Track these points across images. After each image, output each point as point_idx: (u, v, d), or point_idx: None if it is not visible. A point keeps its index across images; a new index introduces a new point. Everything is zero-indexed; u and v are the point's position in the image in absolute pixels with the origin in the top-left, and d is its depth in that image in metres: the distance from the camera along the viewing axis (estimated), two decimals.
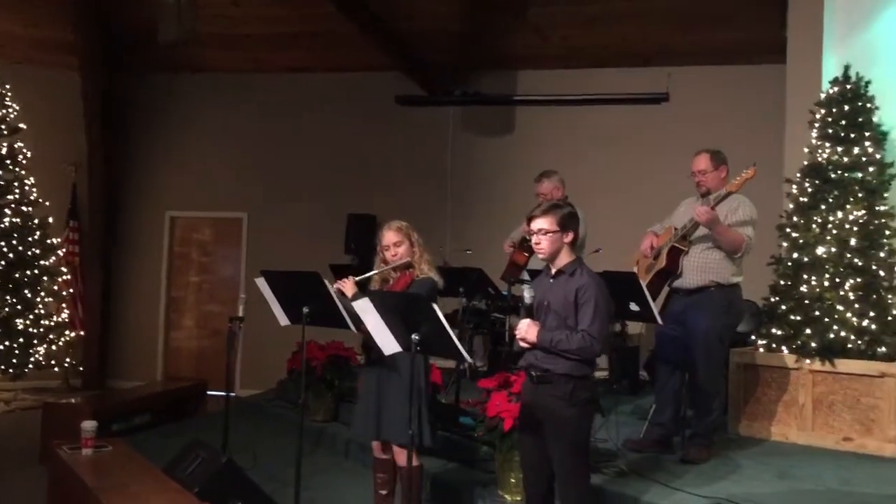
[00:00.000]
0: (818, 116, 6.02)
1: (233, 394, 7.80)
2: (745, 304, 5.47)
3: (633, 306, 4.75)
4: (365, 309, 3.81)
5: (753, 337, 5.99)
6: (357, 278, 4.40)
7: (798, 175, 6.02)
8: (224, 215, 10.54)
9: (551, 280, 3.74)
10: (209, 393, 8.45)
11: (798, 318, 5.66)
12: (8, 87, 9.08)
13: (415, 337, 3.57)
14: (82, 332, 10.00)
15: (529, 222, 3.76)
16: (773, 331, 5.78)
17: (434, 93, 9.73)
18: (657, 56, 9.04)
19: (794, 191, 6.00)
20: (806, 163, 6.00)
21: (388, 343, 3.80)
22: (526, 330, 3.62)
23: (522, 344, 3.68)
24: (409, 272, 4.43)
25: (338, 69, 10.05)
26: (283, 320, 4.53)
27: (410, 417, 3.78)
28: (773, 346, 5.77)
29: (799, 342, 5.61)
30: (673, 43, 8.92)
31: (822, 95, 6.08)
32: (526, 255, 6.50)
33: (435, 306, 3.52)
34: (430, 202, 9.64)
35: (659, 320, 4.83)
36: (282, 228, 10.13)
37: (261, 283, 4.51)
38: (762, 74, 8.36)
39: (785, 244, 5.95)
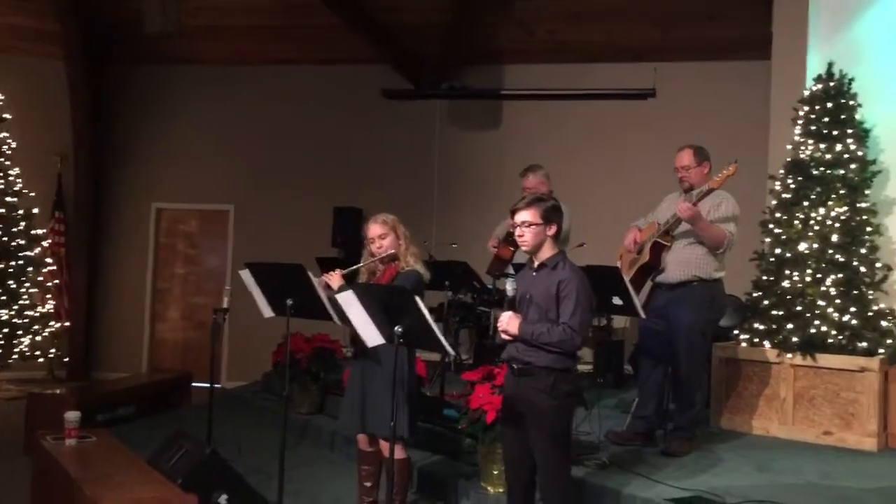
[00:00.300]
0: (802, 113, 6.07)
1: (218, 385, 7.79)
2: (727, 298, 5.51)
3: (616, 300, 4.79)
4: (348, 301, 3.82)
5: (736, 331, 6.04)
6: (344, 271, 4.41)
7: (781, 171, 6.07)
8: (210, 207, 10.51)
9: (534, 273, 3.77)
10: (194, 385, 8.43)
11: (780, 313, 5.71)
12: None
13: (398, 329, 3.59)
14: (67, 323, 9.98)
15: (513, 215, 3.78)
16: (756, 325, 5.83)
17: (421, 86, 9.73)
18: (644, 51, 9.07)
19: (778, 187, 6.05)
20: (789, 159, 6.05)
21: (371, 335, 3.82)
22: (507, 322, 3.64)
23: (504, 336, 3.70)
24: (394, 265, 4.45)
25: (324, 62, 10.03)
26: (267, 312, 4.54)
27: (393, 410, 3.79)
28: (756, 340, 5.82)
29: (780, 337, 5.66)
30: (660, 38, 8.95)
31: (806, 93, 6.13)
32: (511, 249, 6.52)
33: (418, 299, 3.54)
34: (417, 196, 9.65)
35: (641, 314, 4.87)
36: (268, 221, 10.12)
37: (245, 275, 4.51)
38: (748, 71, 8.41)
39: (768, 240, 6.00)
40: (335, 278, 4.36)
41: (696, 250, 5.05)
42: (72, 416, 4.68)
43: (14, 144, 9.08)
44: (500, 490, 4.55)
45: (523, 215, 3.72)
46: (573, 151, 9.11)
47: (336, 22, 9.09)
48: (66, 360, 9.87)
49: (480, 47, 9.57)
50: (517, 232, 3.76)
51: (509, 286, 3.73)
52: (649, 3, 8.66)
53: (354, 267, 4.52)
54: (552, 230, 3.73)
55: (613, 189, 8.88)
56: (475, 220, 8.75)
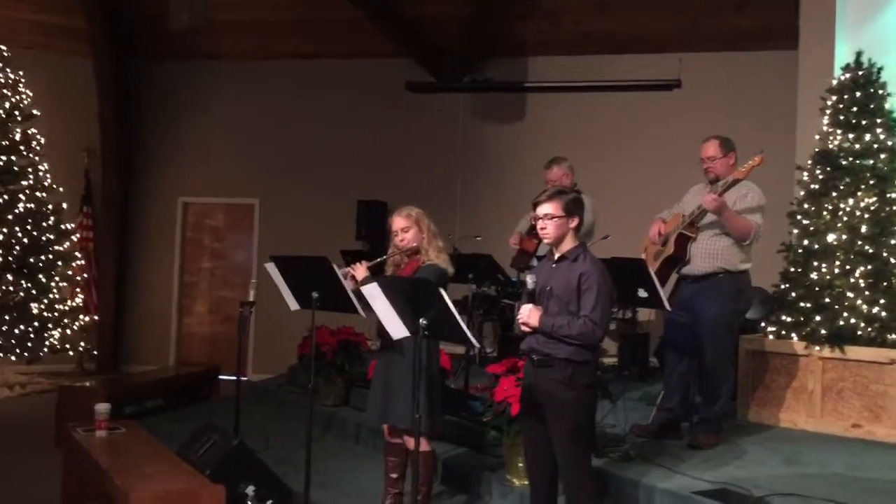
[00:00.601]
0: (830, 103, 5.99)
1: (244, 378, 7.86)
2: (754, 291, 5.46)
3: (642, 293, 4.76)
4: (373, 294, 3.83)
5: (763, 324, 5.99)
6: (369, 263, 4.44)
7: (809, 162, 6.00)
8: (236, 201, 10.59)
9: (553, 265, 3.77)
10: (221, 377, 8.51)
11: (808, 305, 5.66)
12: (21, 73, 9.17)
13: (422, 322, 3.60)
14: (96, 317, 10.10)
15: (535, 207, 3.78)
16: (783, 318, 5.78)
17: (444, 79, 9.71)
18: (670, 42, 8.99)
19: (805, 178, 5.98)
20: (817, 150, 5.98)
21: (396, 328, 3.83)
22: (528, 315, 3.65)
23: (524, 328, 3.71)
24: (416, 258, 4.46)
25: (348, 56, 10.05)
26: (293, 305, 4.57)
27: (416, 402, 3.80)
28: (783, 332, 5.77)
29: (809, 329, 5.61)
30: (685, 28, 8.87)
31: (834, 82, 6.05)
32: (535, 241, 6.50)
33: (442, 291, 3.54)
34: (440, 189, 9.64)
35: (667, 306, 4.84)
36: (293, 214, 10.17)
37: (270, 268, 4.55)
38: (775, 61, 8.32)
39: (795, 231, 5.94)
40: (360, 270, 4.39)
41: (721, 241, 5.00)
42: (102, 408, 4.75)
43: (42, 140, 9.20)
44: (525, 482, 4.53)
45: (545, 208, 3.72)
46: (597, 144, 9.04)
47: (359, 15, 9.10)
48: (96, 353, 9.98)
49: (503, 39, 9.54)
50: (539, 224, 3.76)
51: (529, 279, 3.73)
52: None
53: (379, 259, 4.55)
54: (574, 223, 3.73)
55: (638, 181, 8.81)
56: (499, 213, 8.74)
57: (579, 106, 9.37)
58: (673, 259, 5.11)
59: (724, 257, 5.01)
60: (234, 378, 5.60)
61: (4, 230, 8.61)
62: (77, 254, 9.59)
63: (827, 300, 5.59)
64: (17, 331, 8.56)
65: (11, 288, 8.57)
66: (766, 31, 8.47)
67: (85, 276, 9.99)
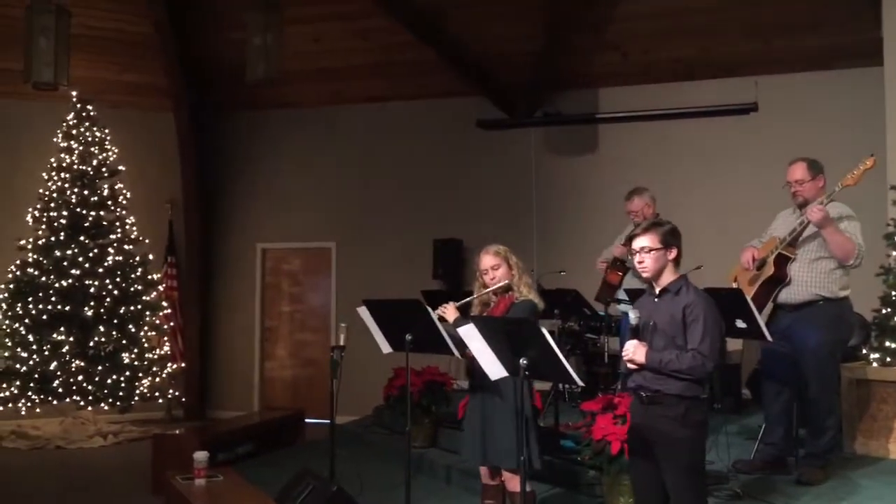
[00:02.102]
0: None
1: (328, 421, 7.87)
2: (855, 317, 5.25)
3: (740, 323, 4.63)
4: (470, 335, 3.80)
5: (865, 351, 5.75)
6: (457, 304, 4.41)
7: None
8: (313, 245, 10.70)
9: (656, 299, 3.68)
10: (308, 421, 8.54)
11: None
12: (107, 131, 9.54)
13: (523, 361, 3.55)
14: (183, 364, 10.29)
15: (631, 242, 3.72)
16: (887, 343, 5.54)
17: (515, 115, 9.72)
18: (742, 66, 8.83)
19: None
20: None
21: (494, 368, 3.79)
22: (634, 351, 3.56)
23: (630, 366, 3.61)
24: (508, 295, 4.42)
25: (418, 97, 10.14)
26: (386, 348, 4.57)
27: (520, 442, 3.75)
28: (888, 360, 5.52)
29: None
30: (758, 51, 8.72)
31: None
32: (619, 273, 6.42)
33: (543, 330, 3.49)
34: (516, 224, 9.58)
35: (768, 337, 4.68)
36: (370, 256, 10.23)
37: (363, 311, 4.57)
38: (856, 78, 8.12)
39: (894, 253, 5.72)
40: (451, 312, 4.35)
41: (820, 266, 4.82)
42: (200, 456, 4.83)
43: (128, 195, 9.52)
44: None
45: (642, 241, 3.65)
46: (673, 172, 8.87)
47: (428, 57, 9.23)
48: (183, 400, 10.15)
49: (573, 72, 9.53)
50: (637, 258, 3.68)
51: (632, 314, 3.65)
52: (745, 15, 8.47)
53: (468, 299, 4.51)
54: (672, 254, 3.65)
55: (718, 207, 8.64)
56: (577, 246, 8.68)
57: (652, 135, 9.25)
58: (773, 280, 4.92)
59: (822, 285, 4.83)
60: (317, 421, 5.61)
61: (95, 283, 8.91)
62: (163, 303, 9.83)
63: None
64: (109, 380, 8.80)
65: (103, 339, 8.84)
66: (845, 49, 8.27)
67: (171, 324, 10.22)
